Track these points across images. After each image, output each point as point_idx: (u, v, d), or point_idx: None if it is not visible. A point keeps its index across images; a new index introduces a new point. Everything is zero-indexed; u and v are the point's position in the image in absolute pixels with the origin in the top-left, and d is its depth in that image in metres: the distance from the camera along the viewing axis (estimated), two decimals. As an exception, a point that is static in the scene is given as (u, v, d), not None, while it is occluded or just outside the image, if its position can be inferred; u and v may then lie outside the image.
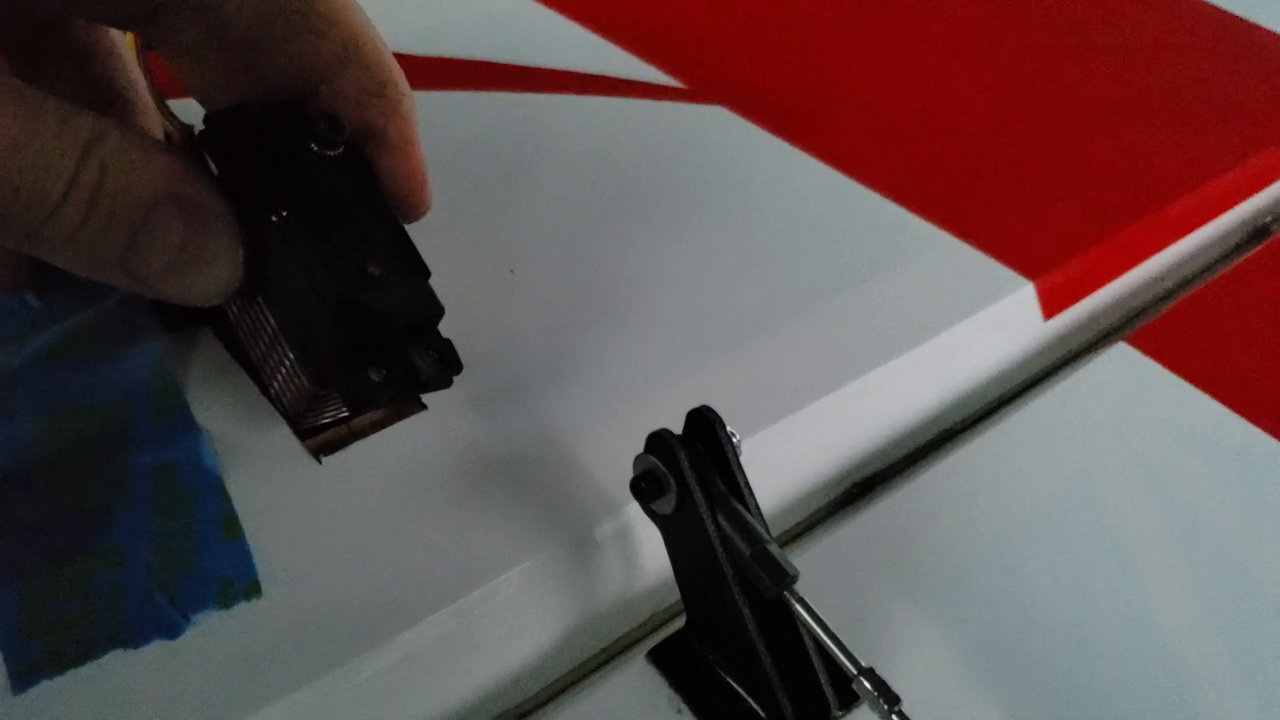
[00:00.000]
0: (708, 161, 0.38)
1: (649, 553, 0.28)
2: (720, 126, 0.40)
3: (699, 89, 0.41)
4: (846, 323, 0.34)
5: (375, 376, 0.26)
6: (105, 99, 0.31)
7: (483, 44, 0.40)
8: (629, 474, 0.26)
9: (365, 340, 0.26)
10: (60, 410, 0.28)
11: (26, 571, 0.25)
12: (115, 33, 0.31)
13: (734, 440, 0.25)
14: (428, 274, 0.27)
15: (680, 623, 0.28)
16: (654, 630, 0.29)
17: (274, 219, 0.26)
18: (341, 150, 0.27)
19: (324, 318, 0.25)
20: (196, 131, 0.28)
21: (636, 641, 0.29)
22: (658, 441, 0.25)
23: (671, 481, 0.24)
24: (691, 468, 0.24)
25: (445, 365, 0.27)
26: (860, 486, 0.33)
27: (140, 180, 0.24)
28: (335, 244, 0.26)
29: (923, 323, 0.34)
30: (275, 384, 0.28)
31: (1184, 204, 0.42)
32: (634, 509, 0.28)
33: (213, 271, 0.26)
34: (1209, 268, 0.44)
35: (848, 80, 0.45)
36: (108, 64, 0.31)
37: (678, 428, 0.26)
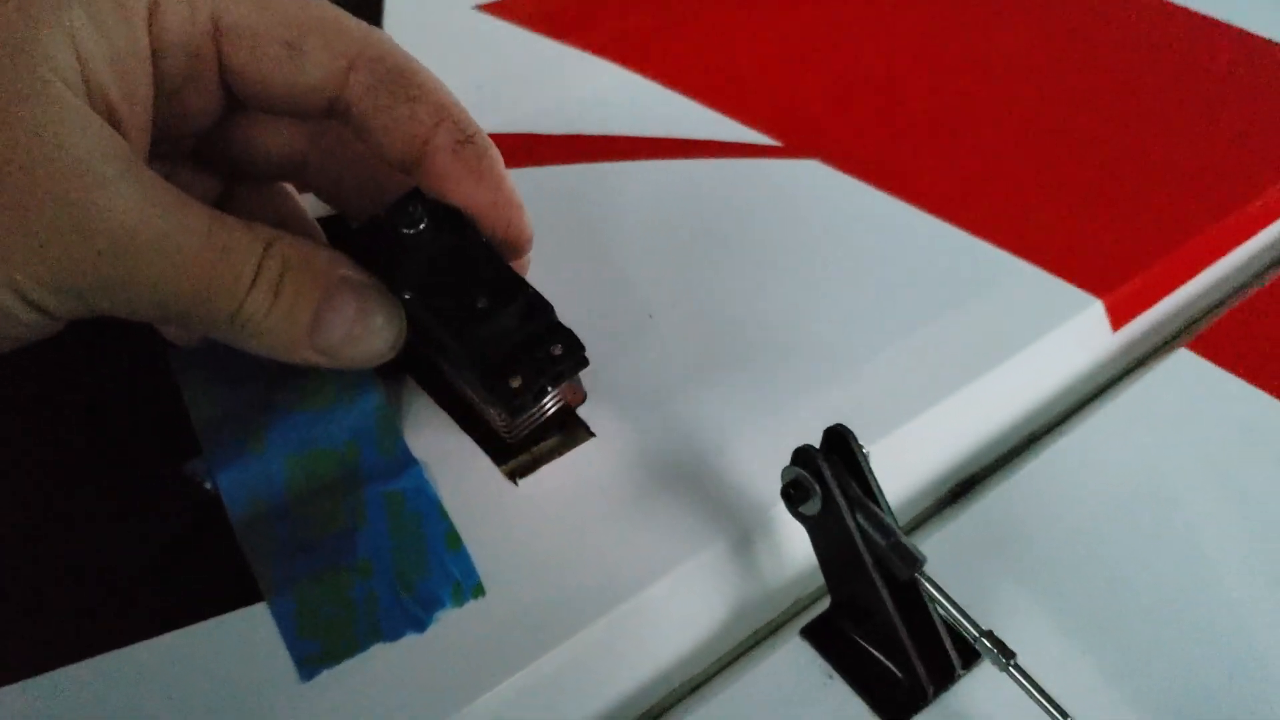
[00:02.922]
0: (806, 210, 0.44)
1: (791, 547, 0.34)
2: (815, 178, 0.45)
3: (794, 145, 0.46)
4: (938, 348, 0.39)
5: (514, 384, 0.31)
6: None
7: (592, 119, 0.46)
8: (770, 480, 0.31)
9: (503, 359, 0.31)
10: (306, 453, 0.34)
11: (296, 585, 0.31)
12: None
13: (864, 451, 0.31)
14: (523, 285, 0.32)
15: (820, 606, 0.33)
16: (798, 614, 0.34)
17: (406, 297, 0.32)
18: (426, 224, 0.33)
19: (461, 357, 0.31)
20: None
21: (785, 624, 0.34)
22: (803, 455, 0.30)
23: (816, 488, 0.30)
24: (833, 476, 0.30)
25: (569, 348, 0.32)
26: (961, 486, 0.39)
27: (316, 267, 0.31)
28: (449, 299, 0.32)
29: (1006, 343, 0.39)
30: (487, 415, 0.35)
31: (1242, 213, 0.46)
32: (778, 510, 0.33)
33: (382, 334, 0.32)
34: (1260, 274, 0.48)
35: (923, 124, 0.50)
36: (275, 202, 0.38)
37: (801, 441, 0.31)
